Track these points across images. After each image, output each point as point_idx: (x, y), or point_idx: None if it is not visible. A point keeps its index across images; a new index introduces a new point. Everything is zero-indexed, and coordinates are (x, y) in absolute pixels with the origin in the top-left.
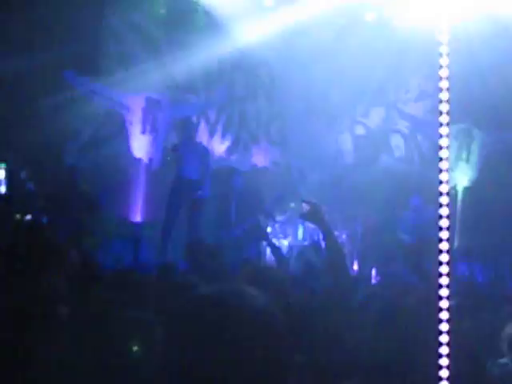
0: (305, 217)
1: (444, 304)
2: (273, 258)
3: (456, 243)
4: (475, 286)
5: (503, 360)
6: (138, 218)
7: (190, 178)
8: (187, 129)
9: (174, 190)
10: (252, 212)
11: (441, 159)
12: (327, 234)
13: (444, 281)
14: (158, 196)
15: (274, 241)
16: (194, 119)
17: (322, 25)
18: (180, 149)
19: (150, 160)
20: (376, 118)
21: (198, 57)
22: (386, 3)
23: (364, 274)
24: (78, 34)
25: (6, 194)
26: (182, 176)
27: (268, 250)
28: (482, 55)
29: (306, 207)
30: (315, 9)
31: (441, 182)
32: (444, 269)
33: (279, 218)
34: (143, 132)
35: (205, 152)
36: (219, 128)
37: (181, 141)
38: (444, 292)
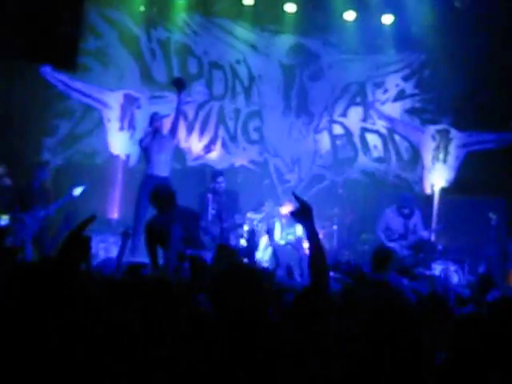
0: (296, 215)
1: None
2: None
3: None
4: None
5: None
6: (115, 215)
7: (158, 175)
8: (154, 122)
9: (143, 187)
10: (229, 211)
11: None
12: (313, 234)
13: None
14: (135, 193)
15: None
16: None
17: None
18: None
19: (128, 157)
20: (354, 117)
21: (177, 54)
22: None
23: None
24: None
25: None
26: (152, 173)
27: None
28: (461, 54)
29: (296, 205)
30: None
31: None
32: None
33: (256, 216)
34: (121, 129)
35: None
36: (197, 125)
37: (149, 135)
38: None
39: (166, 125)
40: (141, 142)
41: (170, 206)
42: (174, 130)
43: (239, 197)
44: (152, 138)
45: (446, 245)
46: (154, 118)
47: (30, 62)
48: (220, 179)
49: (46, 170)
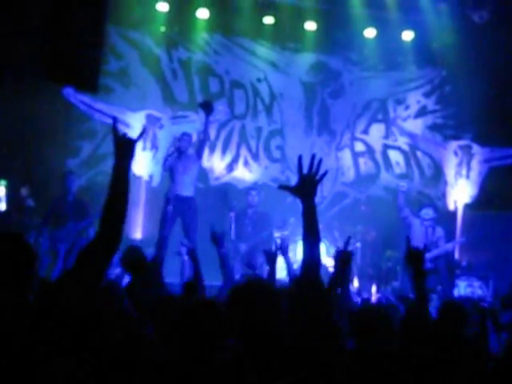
0: (298, 189)
1: None
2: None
3: (456, 259)
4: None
5: None
6: (138, 235)
7: (183, 195)
8: (181, 143)
9: (168, 204)
10: (257, 228)
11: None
12: (312, 214)
13: None
14: (159, 213)
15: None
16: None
17: None
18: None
19: (151, 177)
20: (376, 134)
21: (198, 74)
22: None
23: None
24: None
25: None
26: (176, 193)
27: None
28: (482, 69)
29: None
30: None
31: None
32: None
33: (279, 234)
34: (144, 149)
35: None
36: (219, 145)
37: (174, 156)
38: None
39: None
40: (165, 162)
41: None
42: (200, 151)
43: (267, 215)
44: (177, 158)
45: (469, 261)
46: (180, 138)
47: (52, 83)
48: (254, 192)
49: (75, 179)
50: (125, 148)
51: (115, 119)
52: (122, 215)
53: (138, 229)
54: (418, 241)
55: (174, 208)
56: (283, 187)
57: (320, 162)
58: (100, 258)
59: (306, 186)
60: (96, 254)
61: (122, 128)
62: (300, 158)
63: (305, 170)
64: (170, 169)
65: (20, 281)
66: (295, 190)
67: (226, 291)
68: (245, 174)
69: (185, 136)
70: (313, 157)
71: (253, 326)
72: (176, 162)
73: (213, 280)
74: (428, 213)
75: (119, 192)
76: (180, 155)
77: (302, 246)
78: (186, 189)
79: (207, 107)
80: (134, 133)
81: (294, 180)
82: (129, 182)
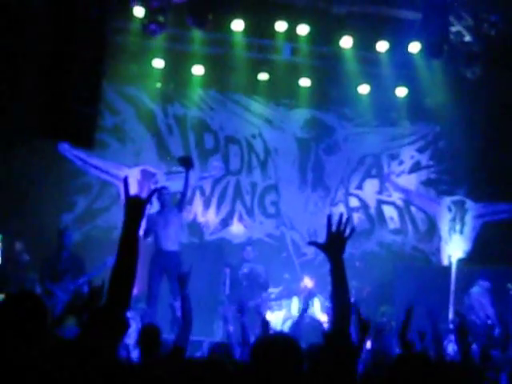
0: (327, 246)
1: None
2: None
3: (450, 315)
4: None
5: None
6: (134, 290)
7: (167, 249)
8: (162, 197)
9: (153, 263)
10: (248, 285)
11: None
12: (341, 269)
13: None
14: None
15: (268, 313)
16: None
17: None
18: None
19: (145, 232)
20: (370, 189)
21: (193, 129)
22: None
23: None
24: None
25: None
26: (160, 247)
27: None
28: (475, 124)
29: (331, 231)
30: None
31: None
32: None
33: (274, 289)
34: None
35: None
36: (214, 200)
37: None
38: None
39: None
40: (145, 230)
41: None
42: (181, 204)
43: (259, 274)
44: (158, 213)
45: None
46: (162, 193)
47: (47, 139)
48: (249, 248)
49: (71, 235)
50: (135, 208)
51: (126, 179)
52: (131, 278)
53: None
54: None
55: (158, 264)
56: (313, 243)
57: (348, 220)
58: (109, 323)
59: (335, 243)
60: (105, 319)
61: (118, 184)
62: (329, 217)
63: (333, 228)
64: (153, 223)
65: (31, 336)
66: (324, 247)
67: (185, 337)
68: (240, 229)
69: (164, 189)
70: (341, 215)
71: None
72: (158, 217)
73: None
74: None
75: (129, 253)
76: (161, 209)
77: (331, 302)
78: (171, 243)
79: (186, 162)
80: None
81: (288, 235)
82: (138, 242)
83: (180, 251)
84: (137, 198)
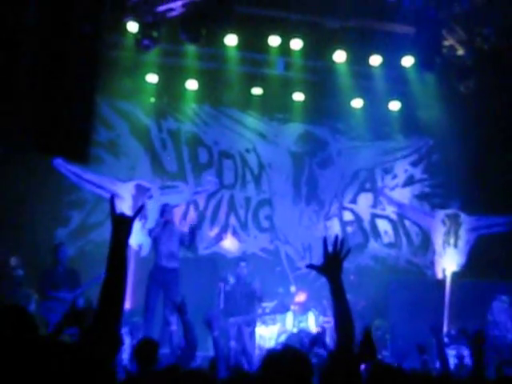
0: (324, 267)
1: None
2: None
3: (445, 328)
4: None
5: None
6: (127, 304)
7: (168, 266)
8: (165, 214)
9: (151, 278)
10: (242, 299)
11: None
12: (341, 290)
13: None
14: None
15: (263, 327)
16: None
17: None
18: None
19: (140, 247)
20: (364, 203)
21: (187, 144)
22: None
23: None
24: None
25: None
26: (159, 263)
27: None
28: (468, 138)
29: (327, 254)
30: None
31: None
32: None
33: (269, 304)
34: None
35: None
36: (208, 214)
37: (159, 226)
38: None
39: (177, 215)
40: (150, 232)
41: None
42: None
43: (254, 289)
44: (162, 229)
45: (459, 329)
46: (165, 210)
47: (42, 154)
48: (243, 264)
49: (66, 250)
50: (122, 226)
51: (113, 197)
52: (121, 294)
53: (126, 298)
54: None
55: (156, 280)
56: (311, 266)
57: (343, 241)
58: (102, 340)
59: (332, 264)
60: (96, 336)
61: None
62: (325, 239)
63: (330, 250)
64: (155, 239)
65: (21, 350)
66: (322, 269)
67: (187, 361)
68: (234, 243)
69: (167, 207)
70: (336, 236)
71: None
72: (161, 233)
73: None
74: None
75: (117, 270)
76: (164, 226)
77: (334, 321)
78: (172, 259)
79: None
80: (124, 203)
81: (282, 250)
82: (127, 259)
83: (179, 268)
84: (122, 215)
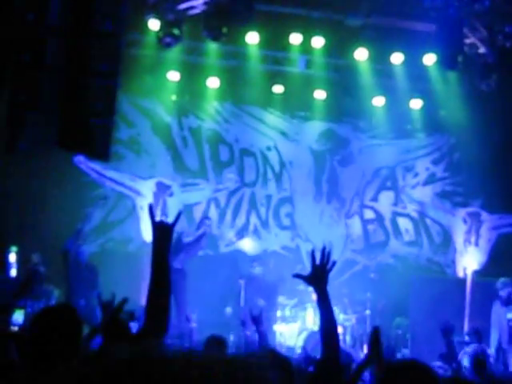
0: (310, 278)
1: None
2: None
3: (466, 326)
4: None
5: None
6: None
7: (173, 267)
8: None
9: None
10: (263, 296)
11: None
12: (326, 300)
13: None
14: None
15: (283, 325)
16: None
17: None
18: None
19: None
20: (385, 201)
21: (208, 142)
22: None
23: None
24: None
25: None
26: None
27: None
28: (490, 136)
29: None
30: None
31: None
32: None
33: (289, 301)
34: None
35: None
36: (229, 212)
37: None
38: None
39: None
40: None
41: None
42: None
43: (273, 284)
44: (194, 241)
45: (479, 327)
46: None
47: (64, 151)
48: (254, 264)
49: (84, 251)
50: (163, 233)
51: (151, 206)
52: (166, 304)
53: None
54: None
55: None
56: (298, 276)
57: (329, 253)
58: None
59: (319, 275)
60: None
61: (133, 196)
62: (313, 251)
63: (317, 262)
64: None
65: (67, 350)
66: (308, 279)
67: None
68: (255, 241)
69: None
70: (323, 248)
71: None
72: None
73: None
74: None
75: (162, 279)
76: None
77: (320, 331)
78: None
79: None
80: (144, 200)
81: (303, 247)
82: (169, 266)
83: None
84: (163, 223)
